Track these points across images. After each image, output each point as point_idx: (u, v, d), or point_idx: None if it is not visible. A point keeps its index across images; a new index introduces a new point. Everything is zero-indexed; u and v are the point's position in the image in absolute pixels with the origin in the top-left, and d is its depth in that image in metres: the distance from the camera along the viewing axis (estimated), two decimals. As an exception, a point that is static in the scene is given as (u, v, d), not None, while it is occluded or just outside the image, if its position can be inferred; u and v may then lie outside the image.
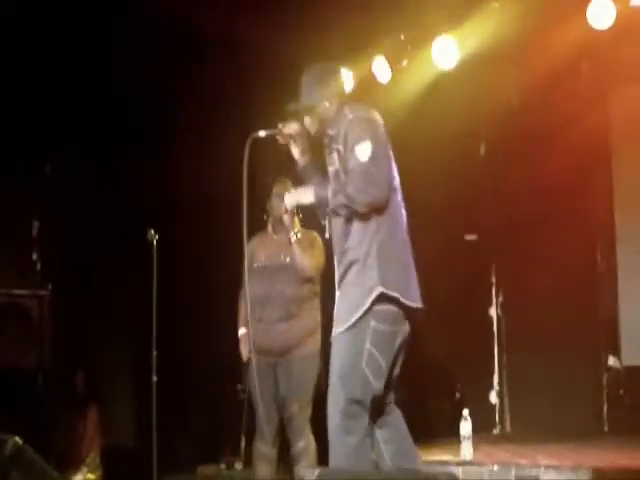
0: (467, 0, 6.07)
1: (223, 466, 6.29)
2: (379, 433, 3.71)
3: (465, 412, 5.38)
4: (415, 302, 3.65)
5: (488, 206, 7.32)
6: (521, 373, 7.11)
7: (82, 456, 6.16)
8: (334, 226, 3.77)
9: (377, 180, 3.58)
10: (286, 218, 5.04)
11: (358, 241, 3.64)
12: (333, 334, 3.68)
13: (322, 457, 5.27)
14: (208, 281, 5.54)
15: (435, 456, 5.41)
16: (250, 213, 3.88)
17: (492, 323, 7.31)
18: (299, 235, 5.13)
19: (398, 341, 3.64)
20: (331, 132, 3.72)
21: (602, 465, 4.92)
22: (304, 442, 5.13)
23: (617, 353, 7.00)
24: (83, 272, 6.48)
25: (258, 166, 3.86)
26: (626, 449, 5.71)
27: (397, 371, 3.73)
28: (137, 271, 5.69)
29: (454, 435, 5.78)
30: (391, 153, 3.75)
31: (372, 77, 6.63)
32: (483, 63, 6.55)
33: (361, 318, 3.57)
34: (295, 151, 3.82)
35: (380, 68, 6.58)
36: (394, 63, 6.56)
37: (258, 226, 5.29)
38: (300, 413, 5.12)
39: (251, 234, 5.24)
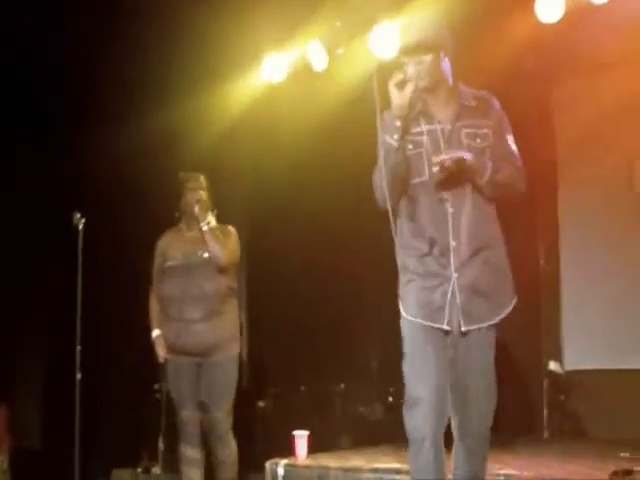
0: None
1: (140, 470, 6.34)
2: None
3: None
4: None
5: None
6: None
7: None
8: (457, 195, 3.56)
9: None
10: (197, 208, 5.19)
11: (491, 226, 3.65)
12: (467, 327, 3.53)
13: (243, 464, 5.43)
14: (137, 271, 5.59)
15: (383, 464, 5.34)
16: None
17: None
18: (211, 225, 5.25)
19: None
20: (472, 102, 3.63)
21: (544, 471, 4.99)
22: (228, 449, 5.30)
23: (559, 357, 7.18)
24: (1, 256, 6.46)
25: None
26: (565, 457, 5.78)
27: None
28: (60, 258, 5.71)
29: (392, 441, 5.93)
30: None
31: (307, 64, 6.78)
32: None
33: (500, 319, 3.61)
34: (401, 95, 3.45)
35: (315, 55, 6.72)
36: (330, 50, 6.72)
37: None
38: (223, 421, 5.27)
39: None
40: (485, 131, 3.60)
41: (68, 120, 6.59)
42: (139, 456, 6.47)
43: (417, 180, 3.58)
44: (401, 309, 3.63)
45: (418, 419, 3.47)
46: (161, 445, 5.73)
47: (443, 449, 3.51)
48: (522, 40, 6.23)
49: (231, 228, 5.44)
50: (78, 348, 5.19)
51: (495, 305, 3.59)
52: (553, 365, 7.19)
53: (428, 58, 3.50)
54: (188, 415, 5.29)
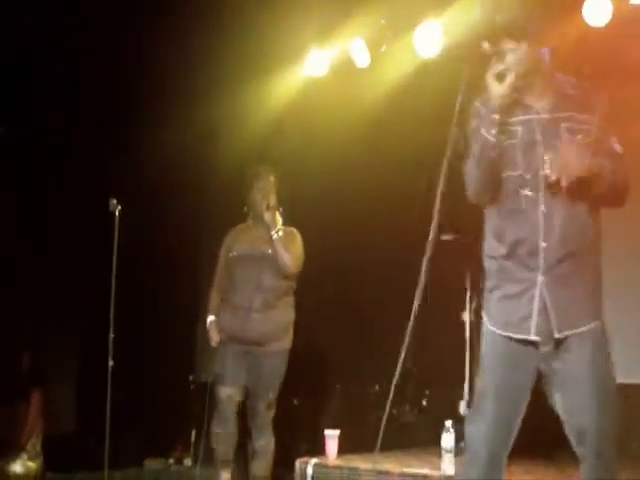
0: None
1: (171, 461, 6.47)
2: None
3: (448, 423, 5.39)
4: None
5: (468, 203, 7.48)
6: None
7: (22, 443, 6.24)
8: (549, 194, 3.28)
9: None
10: (267, 215, 5.34)
11: (588, 229, 3.33)
12: (562, 333, 3.26)
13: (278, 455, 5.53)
14: (173, 262, 5.74)
15: (412, 468, 5.44)
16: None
17: (464, 329, 7.48)
18: (280, 233, 5.39)
19: None
20: (572, 92, 3.36)
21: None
22: (265, 440, 5.47)
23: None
24: (36, 242, 6.61)
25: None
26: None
27: None
28: (97, 244, 5.86)
29: (424, 445, 5.98)
30: None
31: (350, 60, 6.86)
32: (468, 53, 6.77)
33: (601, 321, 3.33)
34: (500, 86, 3.23)
35: (358, 52, 6.80)
36: (373, 48, 6.81)
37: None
38: (266, 412, 5.45)
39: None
40: (586, 127, 3.31)
41: (111, 109, 6.73)
42: (172, 447, 6.60)
43: (506, 174, 3.33)
44: (484, 318, 3.47)
45: (479, 433, 3.30)
46: (194, 437, 5.85)
47: (502, 467, 3.32)
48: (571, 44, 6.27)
49: (296, 232, 5.64)
50: (111, 336, 5.32)
51: (588, 311, 3.30)
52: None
53: (524, 45, 3.23)
54: (228, 393, 5.41)
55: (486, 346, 3.42)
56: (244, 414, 5.47)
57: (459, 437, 6.70)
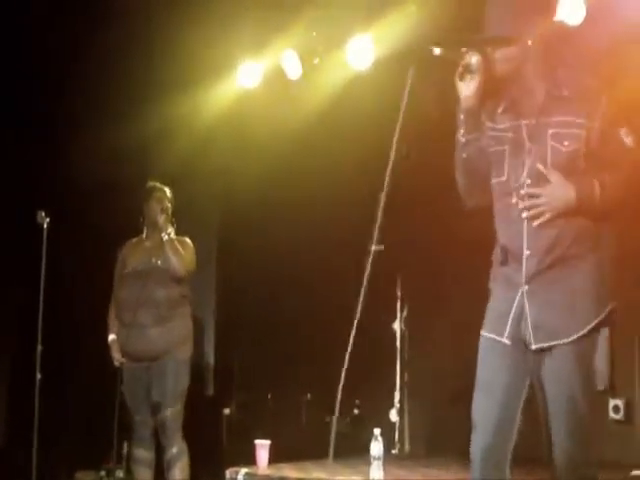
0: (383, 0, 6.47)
1: (103, 473, 6.49)
2: None
3: (377, 431, 5.50)
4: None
5: (397, 216, 7.62)
6: (423, 391, 7.30)
7: None
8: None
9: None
10: (161, 219, 5.49)
11: (581, 236, 3.23)
12: (538, 344, 3.22)
13: (201, 467, 5.65)
14: (101, 272, 5.81)
15: (343, 476, 5.54)
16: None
17: (395, 338, 7.63)
18: (171, 235, 5.54)
19: None
20: (564, 92, 3.24)
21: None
22: (177, 448, 5.57)
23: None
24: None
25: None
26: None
27: None
28: (24, 256, 5.90)
29: (356, 453, 6.11)
30: None
31: (282, 72, 7.00)
32: (399, 66, 6.94)
33: (593, 328, 3.23)
34: (465, 87, 3.24)
35: (290, 64, 6.93)
36: (306, 60, 6.96)
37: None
38: (173, 420, 5.56)
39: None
40: (577, 132, 3.19)
41: (40, 123, 6.76)
42: (104, 459, 6.63)
43: (495, 180, 3.34)
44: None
45: (473, 442, 3.29)
46: (125, 448, 5.93)
47: (503, 473, 3.29)
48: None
49: (188, 240, 5.78)
50: (39, 348, 5.37)
51: (571, 322, 3.21)
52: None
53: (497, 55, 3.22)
54: (141, 419, 5.61)
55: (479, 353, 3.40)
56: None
57: (389, 445, 6.90)
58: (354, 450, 6.37)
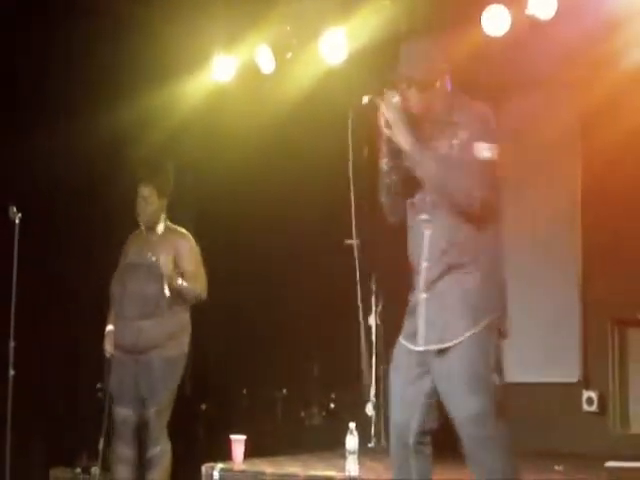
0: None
1: (78, 470, 6.51)
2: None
3: (352, 425, 5.54)
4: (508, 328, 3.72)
5: (372, 211, 7.68)
6: None
7: None
8: (435, 216, 3.69)
9: (490, 183, 3.61)
10: (149, 214, 5.49)
11: (467, 246, 3.64)
12: (436, 346, 3.61)
13: (177, 463, 5.65)
14: (74, 268, 5.81)
15: (318, 471, 5.59)
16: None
17: (371, 332, 7.70)
18: (181, 282, 5.48)
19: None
20: (455, 119, 3.69)
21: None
22: (159, 448, 5.50)
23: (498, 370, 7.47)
24: None
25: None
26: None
27: None
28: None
29: (331, 447, 6.16)
30: None
31: (255, 66, 7.05)
32: (373, 59, 7.01)
33: (481, 330, 3.58)
34: (385, 130, 3.70)
35: (264, 58, 6.98)
36: (279, 54, 7.00)
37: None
38: (157, 418, 5.49)
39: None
40: (456, 142, 3.67)
41: (12, 118, 6.75)
42: (78, 456, 6.65)
43: (408, 201, 3.79)
44: None
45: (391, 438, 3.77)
46: (101, 445, 5.92)
47: (408, 450, 3.69)
48: (469, 52, 6.54)
49: (189, 239, 5.71)
50: (12, 344, 5.36)
51: (454, 327, 3.59)
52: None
53: (411, 93, 3.70)
54: (124, 412, 5.52)
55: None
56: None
57: (365, 439, 6.95)
58: (330, 444, 6.43)
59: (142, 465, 5.58)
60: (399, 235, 7.31)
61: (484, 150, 3.62)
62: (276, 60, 6.99)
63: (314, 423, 7.45)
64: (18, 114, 6.75)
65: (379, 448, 7.34)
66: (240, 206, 7.45)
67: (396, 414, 3.74)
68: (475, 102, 3.79)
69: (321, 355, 7.50)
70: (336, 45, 6.77)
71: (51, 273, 6.64)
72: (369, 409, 7.42)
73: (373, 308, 7.52)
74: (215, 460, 5.82)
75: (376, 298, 7.51)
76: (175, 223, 5.79)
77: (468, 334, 3.56)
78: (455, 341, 3.57)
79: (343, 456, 5.57)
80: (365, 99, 3.74)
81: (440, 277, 3.65)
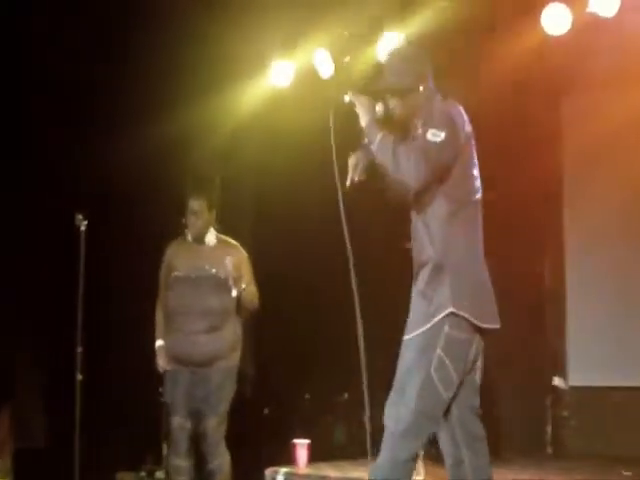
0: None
1: (143, 474, 6.58)
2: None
3: None
4: (488, 323, 3.77)
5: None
6: None
7: None
8: (414, 213, 3.91)
9: (433, 163, 3.73)
10: (199, 227, 5.54)
11: (434, 241, 3.80)
12: (403, 339, 3.85)
13: (240, 468, 5.68)
14: (140, 274, 5.87)
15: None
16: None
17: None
18: (244, 287, 5.47)
19: (472, 351, 3.76)
20: (422, 120, 3.85)
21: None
22: (219, 460, 5.50)
23: (563, 373, 7.36)
24: (2, 257, 6.65)
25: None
26: (568, 474, 6.00)
27: (478, 382, 3.89)
28: (63, 259, 5.98)
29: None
30: (471, 157, 3.94)
31: (313, 70, 7.09)
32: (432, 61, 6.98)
33: (433, 325, 3.71)
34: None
35: (322, 62, 7.02)
36: (337, 58, 7.03)
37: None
38: (217, 429, 5.49)
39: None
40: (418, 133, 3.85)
41: (79, 123, 6.86)
42: (143, 459, 6.72)
43: None
44: None
45: None
46: (165, 449, 5.96)
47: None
48: (529, 53, 6.51)
49: (240, 250, 5.69)
50: (79, 349, 5.44)
51: (416, 321, 3.79)
52: (557, 381, 7.37)
53: (392, 102, 3.89)
54: (180, 422, 5.51)
55: None
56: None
57: (430, 441, 6.96)
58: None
59: (202, 477, 5.60)
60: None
61: (433, 135, 3.75)
62: (334, 64, 7.02)
63: (376, 426, 7.44)
64: (81, 121, 6.86)
65: (440, 452, 7.33)
66: (299, 209, 7.48)
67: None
68: (446, 101, 3.94)
69: (382, 357, 7.49)
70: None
71: (116, 279, 6.74)
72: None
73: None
74: (279, 464, 5.84)
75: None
76: (234, 227, 5.82)
77: (420, 331, 3.72)
78: (412, 334, 3.77)
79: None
80: (347, 98, 3.93)
81: (418, 271, 3.84)
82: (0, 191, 6.69)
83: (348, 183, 4.05)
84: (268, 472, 5.79)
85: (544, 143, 7.32)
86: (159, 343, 5.63)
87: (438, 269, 3.75)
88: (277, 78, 7.30)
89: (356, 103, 3.89)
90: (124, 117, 6.84)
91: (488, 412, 7.03)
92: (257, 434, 7.33)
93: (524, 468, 6.22)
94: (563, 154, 7.54)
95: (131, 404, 6.76)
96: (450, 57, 6.65)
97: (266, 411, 7.64)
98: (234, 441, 5.64)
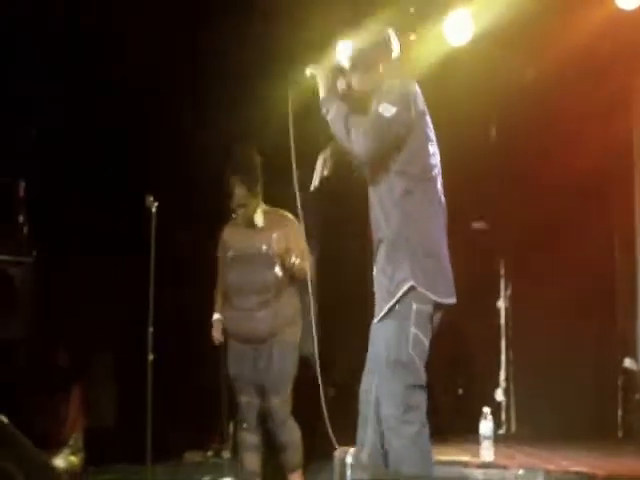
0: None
1: (210, 453, 6.66)
2: None
3: (486, 410, 5.58)
4: (444, 298, 3.96)
5: (498, 193, 7.62)
6: (529, 371, 7.37)
7: (64, 437, 6.42)
8: (371, 191, 4.06)
9: (382, 136, 3.91)
10: (242, 202, 5.59)
11: (390, 219, 3.96)
12: (373, 323, 4.01)
13: (310, 447, 5.73)
14: (208, 257, 5.94)
15: (452, 456, 5.58)
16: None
17: (500, 316, 7.64)
18: (294, 260, 5.45)
19: (433, 322, 3.97)
20: (378, 96, 4.04)
21: (619, 471, 5.15)
22: (287, 435, 5.55)
23: (634, 355, 7.27)
24: (73, 239, 6.79)
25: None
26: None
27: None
28: (133, 240, 6.07)
29: (462, 433, 6.13)
30: (425, 135, 4.09)
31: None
32: (497, 40, 6.94)
33: (399, 302, 3.88)
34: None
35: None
36: (403, 36, 6.99)
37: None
38: (282, 407, 5.54)
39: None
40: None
41: (156, 110, 6.95)
42: (211, 439, 6.81)
43: None
44: None
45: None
46: (231, 429, 6.03)
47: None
48: (599, 27, 6.42)
49: (288, 215, 5.64)
50: (150, 330, 5.53)
51: (381, 301, 3.96)
52: (629, 362, 7.29)
53: (355, 79, 4.13)
54: (247, 400, 5.59)
55: None
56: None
57: (495, 425, 6.95)
58: (459, 431, 6.42)
59: (273, 451, 5.65)
60: (529, 220, 7.29)
61: (385, 109, 3.91)
62: (400, 42, 6.98)
63: (444, 409, 7.45)
64: (153, 106, 6.95)
65: (510, 434, 7.32)
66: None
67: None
68: (403, 79, 4.17)
69: (450, 340, 7.48)
70: (461, 26, 6.75)
71: (187, 261, 6.84)
72: (499, 395, 7.37)
73: (502, 292, 7.49)
74: (348, 445, 5.87)
75: (505, 281, 7.47)
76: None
77: (386, 308, 3.89)
78: (380, 316, 3.92)
79: (474, 442, 5.56)
80: (308, 72, 4.14)
81: (377, 249, 3.98)
82: (68, 170, 6.81)
83: (315, 184, 4.17)
84: (338, 452, 5.80)
85: (615, 113, 7.19)
86: (216, 316, 5.74)
87: (394, 246, 3.90)
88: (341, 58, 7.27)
89: (317, 76, 4.09)
90: (200, 101, 6.95)
91: (557, 394, 7.08)
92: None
93: (595, 450, 6.14)
94: (634, 124, 7.40)
95: (200, 383, 6.84)
96: (520, 30, 6.65)
97: (332, 392, 7.64)
98: (302, 421, 5.67)
